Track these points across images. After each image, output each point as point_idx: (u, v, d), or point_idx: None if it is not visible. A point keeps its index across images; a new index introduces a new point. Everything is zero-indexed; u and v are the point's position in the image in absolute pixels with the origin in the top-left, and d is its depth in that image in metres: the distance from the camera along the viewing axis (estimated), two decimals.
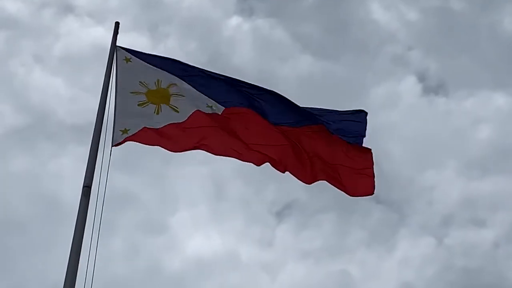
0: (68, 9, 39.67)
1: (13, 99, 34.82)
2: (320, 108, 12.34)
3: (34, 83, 35.33)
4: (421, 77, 39.43)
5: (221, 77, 11.96)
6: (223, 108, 11.76)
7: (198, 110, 11.59)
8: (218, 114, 11.69)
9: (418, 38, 40.81)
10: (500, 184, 35.86)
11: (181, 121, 11.45)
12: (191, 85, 11.75)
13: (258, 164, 11.62)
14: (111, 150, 10.69)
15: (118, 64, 11.63)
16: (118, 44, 11.93)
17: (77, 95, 33.22)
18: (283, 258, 33.14)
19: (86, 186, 10.08)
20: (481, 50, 39.76)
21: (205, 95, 11.76)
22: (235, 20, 40.29)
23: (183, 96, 11.67)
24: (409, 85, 39.35)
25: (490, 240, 33.49)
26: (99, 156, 10.51)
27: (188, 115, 11.51)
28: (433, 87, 39.95)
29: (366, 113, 12.30)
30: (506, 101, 38.83)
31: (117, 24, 12.14)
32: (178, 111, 11.52)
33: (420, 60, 40.35)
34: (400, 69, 40.22)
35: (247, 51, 38.94)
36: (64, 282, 9.08)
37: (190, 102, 11.63)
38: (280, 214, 32.99)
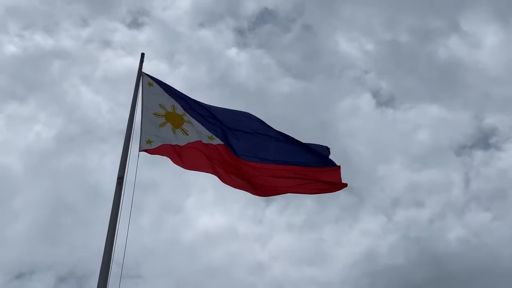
0: (106, 43, 39.83)
1: (65, 112, 34.93)
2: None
3: (81, 100, 35.45)
4: (375, 94, 39.66)
5: (217, 114, 11.78)
6: (222, 142, 11.56)
7: (200, 140, 11.46)
8: (213, 145, 11.50)
9: (373, 64, 41.01)
10: (435, 174, 36.07)
11: (189, 142, 11.38)
12: (194, 118, 11.59)
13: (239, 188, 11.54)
14: (138, 154, 10.67)
15: (143, 86, 11.56)
16: (144, 70, 11.86)
17: (114, 108, 33.34)
18: (271, 232, 33.25)
19: (119, 177, 10.08)
20: (421, 73, 39.97)
21: (206, 128, 11.61)
22: (233, 51, 40.46)
23: (192, 124, 11.55)
24: (366, 100, 39.53)
25: (427, 217, 33.67)
26: (129, 153, 10.48)
27: (193, 141, 11.41)
28: (384, 101, 40.19)
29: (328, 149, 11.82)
30: (439, 111, 39.07)
31: (142, 55, 12.13)
32: (188, 134, 11.43)
33: (374, 81, 40.55)
34: (359, 88, 40.39)
35: (242, 74, 39.05)
36: (104, 250, 9.11)
37: (196, 130, 11.52)
38: (269, 199, 32.96)
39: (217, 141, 11.52)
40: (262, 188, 11.46)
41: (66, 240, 29.13)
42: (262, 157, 11.55)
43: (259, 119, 11.92)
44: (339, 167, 11.57)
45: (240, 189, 11.54)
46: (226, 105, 12.09)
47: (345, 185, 11.39)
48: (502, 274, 29.16)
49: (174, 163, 11.22)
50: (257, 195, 11.57)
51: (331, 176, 11.47)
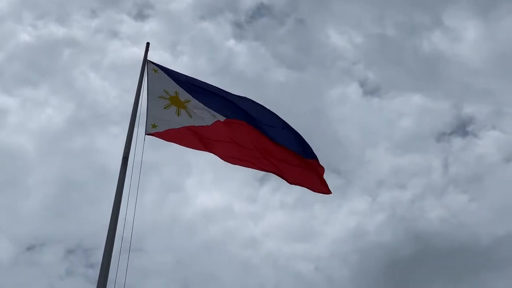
0: (114, 34, 39.52)
1: (75, 97, 34.82)
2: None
3: (90, 86, 35.31)
4: (362, 83, 39.56)
5: (221, 93, 11.48)
6: (225, 118, 11.28)
7: (206, 125, 11.18)
8: (220, 120, 11.25)
9: (361, 56, 40.87)
10: (416, 159, 36.17)
11: (196, 125, 11.11)
12: (198, 100, 11.31)
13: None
14: (145, 137, 10.55)
15: (148, 73, 11.40)
16: (149, 58, 11.70)
17: (121, 94, 33.22)
18: (264, 210, 33.31)
19: (124, 157, 9.98)
20: (405, 64, 39.88)
21: (209, 107, 11.29)
22: (232, 42, 40.26)
23: (196, 110, 11.27)
24: (354, 89, 39.44)
25: (409, 198, 33.74)
26: (134, 135, 10.36)
27: (198, 125, 11.15)
28: (370, 91, 40.10)
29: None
30: (422, 100, 39.06)
31: (147, 44, 11.96)
32: (191, 117, 11.19)
33: (362, 72, 40.45)
34: (348, 78, 40.28)
35: (240, 64, 38.90)
36: (109, 225, 9.03)
37: (200, 116, 11.26)
38: (262, 179, 32.99)
39: (220, 117, 11.27)
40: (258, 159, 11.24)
41: (74, 216, 29.15)
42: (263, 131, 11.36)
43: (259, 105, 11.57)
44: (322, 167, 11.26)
45: (241, 165, 11.30)
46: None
47: (330, 192, 11.11)
48: (480, 252, 29.37)
49: (180, 144, 11.05)
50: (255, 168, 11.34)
51: (315, 170, 11.18)
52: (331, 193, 11.18)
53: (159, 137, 10.83)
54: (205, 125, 11.18)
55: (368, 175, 34.92)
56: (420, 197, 33.61)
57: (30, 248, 28.86)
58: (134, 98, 11.01)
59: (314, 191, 11.26)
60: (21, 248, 28.75)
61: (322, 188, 11.22)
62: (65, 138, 33.18)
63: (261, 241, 31.47)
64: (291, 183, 11.25)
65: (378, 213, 32.75)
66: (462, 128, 38.02)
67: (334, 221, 32.89)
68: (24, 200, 30.33)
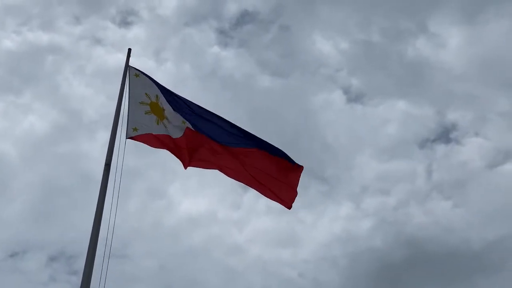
0: (97, 41, 39.51)
1: (58, 103, 34.79)
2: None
3: (73, 92, 35.23)
4: (346, 90, 39.80)
5: (191, 105, 11.48)
6: (192, 127, 11.26)
7: (180, 136, 11.22)
8: (189, 128, 11.24)
9: (346, 62, 41.10)
10: (401, 165, 36.46)
11: (172, 136, 11.14)
12: (172, 107, 11.32)
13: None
14: (125, 141, 10.54)
15: (130, 78, 11.36)
16: (132, 65, 11.61)
17: (104, 100, 33.20)
18: (248, 216, 33.37)
19: (106, 164, 9.93)
20: (390, 70, 40.18)
21: (181, 115, 11.28)
22: (215, 49, 40.40)
23: (170, 120, 11.27)
24: (338, 96, 39.66)
25: (392, 204, 33.94)
26: (117, 141, 10.34)
27: (175, 137, 11.17)
28: (354, 97, 40.38)
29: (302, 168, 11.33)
30: (406, 107, 39.40)
31: (129, 50, 11.85)
32: (167, 128, 11.20)
33: (346, 78, 40.68)
34: (332, 84, 40.49)
35: (224, 72, 38.99)
36: (91, 232, 8.97)
37: (173, 126, 11.25)
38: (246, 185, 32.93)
39: (189, 125, 11.32)
40: (233, 171, 11.34)
41: (58, 222, 29.08)
42: (231, 142, 11.37)
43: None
44: (301, 167, 11.25)
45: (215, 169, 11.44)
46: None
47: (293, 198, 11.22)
48: (472, 256, 29.63)
49: (155, 147, 11.08)
50: (230, 177, 11.50)
51: (290, 172, 11.18)
52: (290, 208, 11.29)
53: (139, 140, 10.84)
54: (179, 136, 11.20)
55: (351, 182, 35.12)
56: (404, 203, 33.83)
57: (12, 255, 28.74)
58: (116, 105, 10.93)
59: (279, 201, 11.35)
60: (4, 254, 28.63)
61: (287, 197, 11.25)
62: (49, 144, 33.15)
63: (246, 247, 31.56)
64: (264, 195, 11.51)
65: (363, 219, 32.93)
66: (446, 134, 38.41)
67: (321, 226, 33.03)
68: (7, 206, 30.21)
